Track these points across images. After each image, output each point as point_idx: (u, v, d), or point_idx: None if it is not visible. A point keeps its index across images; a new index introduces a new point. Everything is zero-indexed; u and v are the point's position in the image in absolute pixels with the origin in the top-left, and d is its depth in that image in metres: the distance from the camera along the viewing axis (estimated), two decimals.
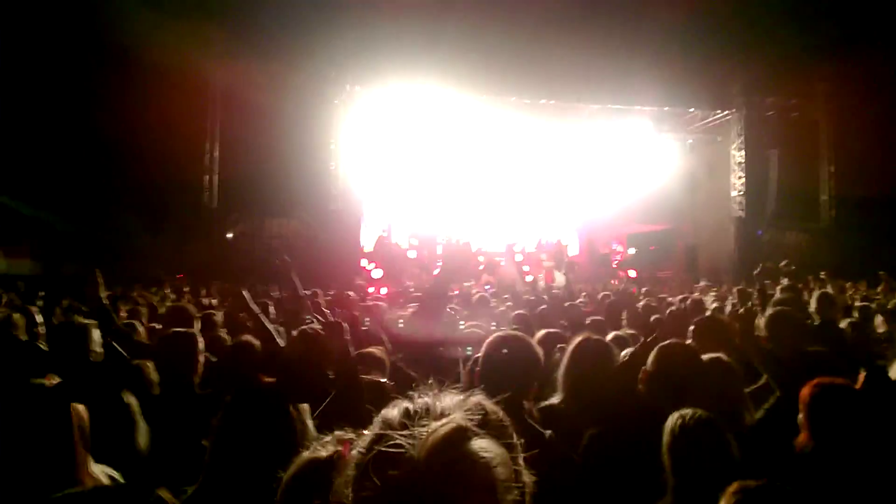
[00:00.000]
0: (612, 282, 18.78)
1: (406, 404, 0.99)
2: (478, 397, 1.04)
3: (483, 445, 0.91)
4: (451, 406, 0.99)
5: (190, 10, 15.94)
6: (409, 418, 0.95)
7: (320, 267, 17.94)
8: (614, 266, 23.02)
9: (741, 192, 22.54)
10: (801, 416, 2.47)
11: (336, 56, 18.53)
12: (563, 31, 18.59)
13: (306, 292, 7.78)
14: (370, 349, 4.18)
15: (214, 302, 9.54)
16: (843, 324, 6.17)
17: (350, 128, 20.43)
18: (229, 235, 19.54)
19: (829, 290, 9.57)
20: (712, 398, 2.57)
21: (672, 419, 2.37)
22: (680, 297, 9.82)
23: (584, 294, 10.96)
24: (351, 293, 11.82)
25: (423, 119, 21.04)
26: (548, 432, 2.54)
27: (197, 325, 5.05)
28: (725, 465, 2.16)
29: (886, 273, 11.66)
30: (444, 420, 0.93)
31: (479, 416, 0.97)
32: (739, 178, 22.61)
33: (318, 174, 19.59)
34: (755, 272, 7.05)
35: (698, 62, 19.73)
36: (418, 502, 0.85)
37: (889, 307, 7.33)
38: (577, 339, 3.28)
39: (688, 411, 2.34)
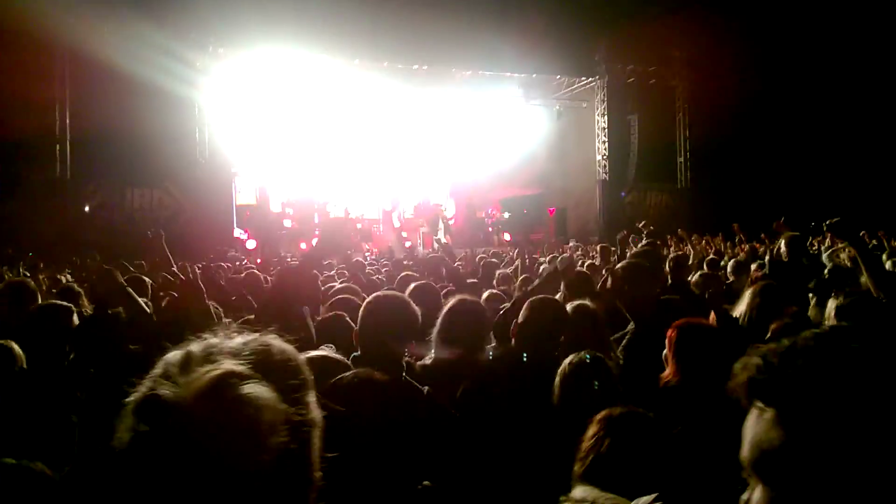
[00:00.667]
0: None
1: (191, 346, 0.99)
2: (269, 337, 1.05)
3: (251, 390, 0.91)
4: (235, 347, 1.00)
5: None
6: (186, 362, 0.95)
7: (189, 239, 17.20)
8: (489, 230, 23.60)
9: (605, 157, 23.61)
10: (666, 352, 2.69)
11: (197, 15, 17.58)
12: None
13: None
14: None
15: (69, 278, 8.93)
16: (695, 276, 6.67)
17: (216, 92, 19.54)
18: (86, 208, 18.25)
19: (688, 247, 10.31)
20: (578, 343, 2.73)
21: (568, 359, 2.55)
22: (550, 257, 10.21)
23: (461, 257, 11.15)
24: (224, 265, 11.45)
25: (294, 84, 20.45)
26: (425, 388, 2.61)
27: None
28: (612, 398, 2.34)
29: (738, 225, 12.67)
30: (214, 365, 0.94)
31: (259, 358, 0.98)
32: (603, 142, 23.65)
33: (182, 141, 18.65)
34: (618, 237, 7.44)
35: (563, 30, 20.35)
36: (182, 447, 0.86)
37: (739, 259, 7.99)
38: (452, 301, 3.36)
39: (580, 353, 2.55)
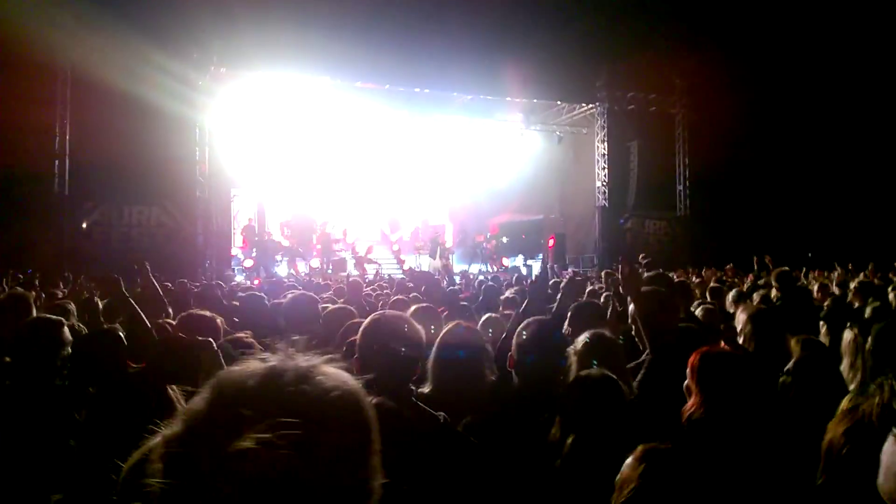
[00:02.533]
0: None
1: (251, 374, 0.81)
2: (337, 374, 0.86)
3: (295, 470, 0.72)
4: (313, 391, 0.80)
5: None
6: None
7: (186, 257, 17.12)
8: (487, 254, 23.52)
9: (605, 183, 23.62)
10: (688, 382, 2.56)
11: (200, 36, 17.62)
12: (437, 21, 18.72)
13: (168, 285, 7.37)
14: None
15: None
16: (699, 310, 6.60)
17: (218, 113, 19.54)
18: (83, 225, 18.13)
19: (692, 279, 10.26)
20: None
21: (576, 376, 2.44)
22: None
23: (460, 279, 11.09)
24: (222, 284, 11.35)
25: (295, 105, 20.48)
26: (441, 414, 2.46)
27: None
28: (623, 420, 2.23)
29: (733, 265, 12.70)
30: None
31: (320, 407, 0.79)
32: (603, 169, 23.68)
33: (181, 160, 18.59)
34: (620, 260, 7.38)
35: (564, 57, 20.47)
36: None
37: (741, 290, 7.94)
38: (447, 326, 3.19)
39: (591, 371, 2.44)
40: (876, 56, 20.54)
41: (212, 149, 19.53)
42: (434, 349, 3.01)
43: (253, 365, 0.84)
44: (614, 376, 2.52)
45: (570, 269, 20.09)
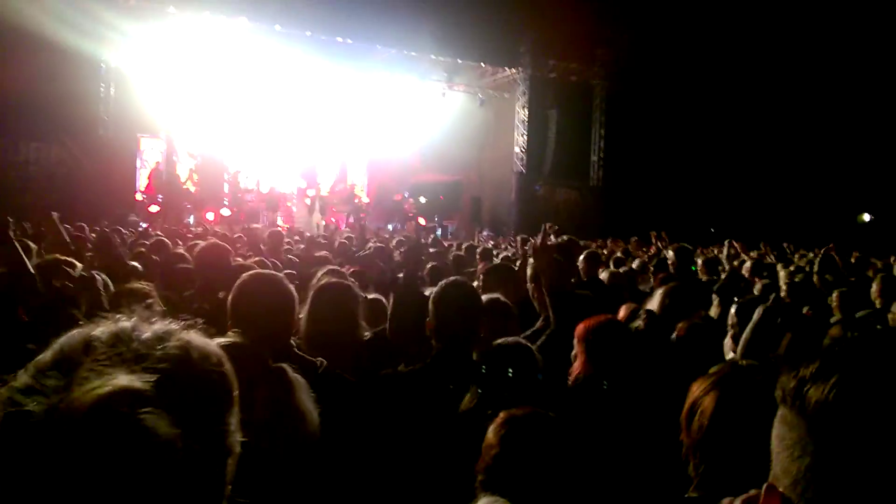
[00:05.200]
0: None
1: (90, 332, 0.77)
2: (190, 334, 0.82)
3: (147, 423, 0.68)
4: (147, 342, 0.77)
5: None
6: (70, 363, 0.73)
7: (88, 199, 16.29)
8: (405, 214, 23.45)
9: (523, 149, 23.89)
10: (576, 348, 2.71)
11: None
12: None
13: (67, 227, 7.00)
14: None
15: None
16: (604, 273, 6.84)
17: (126, 51, 18.48)
18: None
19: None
20: (492, 339, 2.68)
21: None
22: (464, 243, 10.23)
23: (373, 240, 11.02)
24: (123, 230, 10.89)
25: (211, 46, 19.52)
26: (319, 359, 2.50)
27: None
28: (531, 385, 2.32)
29: (637, 238, 13.13)
30: (107, 377, 0.71)
31: (172, 366, 0.75)
32: (522, 135, 23.92)
33: (85, 98, 17.59)
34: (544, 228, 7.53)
35: (491, 18, 20.38)
36: (42, 482, 0.66)
37: (643, 261, 8.27)
38: (319, 281, 3.18)
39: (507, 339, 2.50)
40: (795, 26, 21.25)
41: (119, 87, 18.57)
42: (306, 304, 2.99)
43: (106, 324, 0.80)
44: (529, 344, 2.60)
45: (485, 233, 20.37)
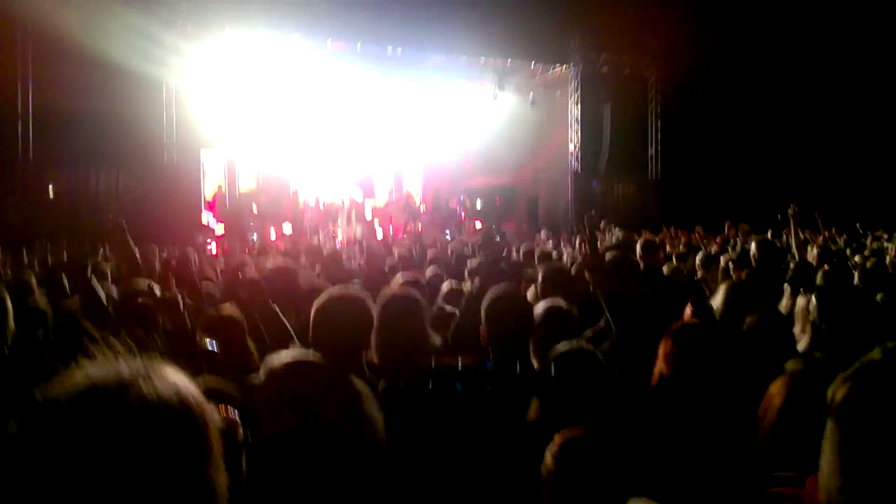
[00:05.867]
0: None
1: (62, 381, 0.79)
2: (167, 374, 0.83)
3: None
4: (116, 384, 0.78)
5: None
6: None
7: (156, 223, 16.83)
8: (462, 220, 23.51)
9: (577, 146, 23.62)
10: (661, 351, 2.62)
11: None
12: None
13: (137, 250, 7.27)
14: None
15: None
16: (664, 267, 6.71)
17: (186, 72, 19.09)
18: (50, 194, 17.63)
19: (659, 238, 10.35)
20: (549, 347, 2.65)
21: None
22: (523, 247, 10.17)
23: (432, 248, 11.08)
24: (191, 250, 11.23)
25: (266, 64, 20.03)
26: (381, 381, 2.55)
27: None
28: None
29: (701, 227, 12.79)
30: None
31: (145, 416, 0.76)
32: (576, 132, 23.65)
33: (149, 121, 18.21)
34: (579, 225, 7.44)
35: (539, 17, 20.26)
36: None
37: (709, 253, 8.07)
38: (386, 295, 3.11)
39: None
40: (856, 17, 20.54)
41: (180, 108, 19.13)
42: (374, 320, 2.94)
43: (75, 376, 0.81)
44: (593, 349, 2.57)
45: (542, 233, 20.21)
